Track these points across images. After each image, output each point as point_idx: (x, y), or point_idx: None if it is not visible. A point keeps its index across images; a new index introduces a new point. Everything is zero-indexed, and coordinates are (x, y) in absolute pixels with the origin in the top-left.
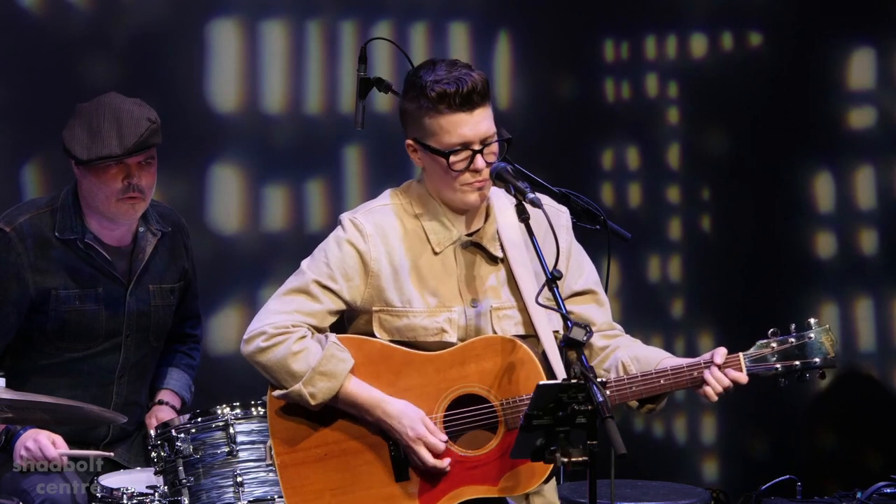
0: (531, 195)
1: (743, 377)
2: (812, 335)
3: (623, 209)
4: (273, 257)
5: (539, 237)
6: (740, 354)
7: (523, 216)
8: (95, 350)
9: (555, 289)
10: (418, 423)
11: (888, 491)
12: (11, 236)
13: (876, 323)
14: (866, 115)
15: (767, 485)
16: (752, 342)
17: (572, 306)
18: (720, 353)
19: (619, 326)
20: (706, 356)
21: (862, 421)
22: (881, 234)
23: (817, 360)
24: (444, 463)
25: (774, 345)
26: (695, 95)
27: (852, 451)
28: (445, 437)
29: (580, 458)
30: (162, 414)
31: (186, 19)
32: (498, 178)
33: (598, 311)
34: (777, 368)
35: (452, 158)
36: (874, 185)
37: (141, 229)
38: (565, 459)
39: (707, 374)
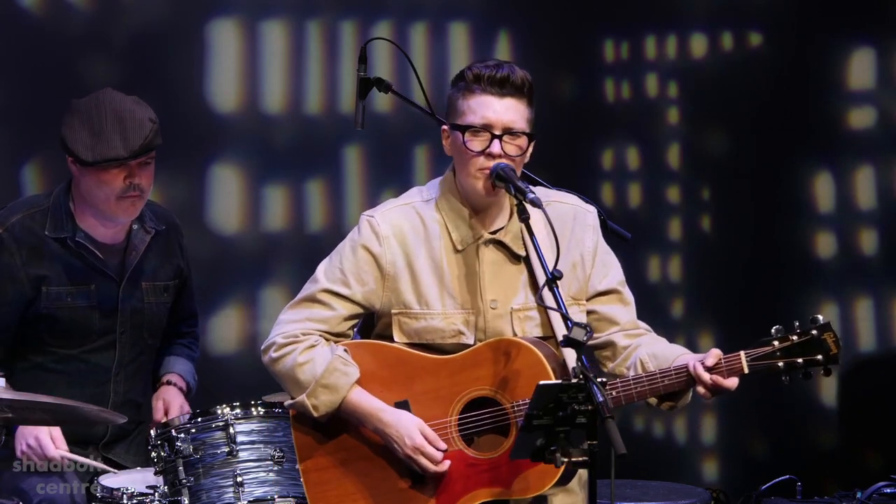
0: (531, 195)
1: (730, 382)
2: (815, 332)
3: (623, 209)
4: (273, 257)
5: (564, 238)
6: (741, 353)
7: (523, 216)
8: (90, 347)
9: (555, 289)
10: (415, 433)
11: (888, 491)
12: (4, 237)
13: (876, 323)
14: (866, 115)
15: (767, 485)
16: (752, 342)
17: (597, 306)
18: (713, 355)
19: (644, 325)
20: (701, 356)
21: (862, 421)
22: (881, 234)
23: (820, 357)
24: (444, 467)
25: (776, 342)
26: (695, 95)
27: (852, 451)
28: (444, 446)
29: (580, 458)
30: (168, 395)
31: (186, 19)
32: (498, 178)
33: (623, 311)
34: (779, 366)
35: (468, 135)
36: (874, 185)
37: (135, 227)
38: (565, 459)
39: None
